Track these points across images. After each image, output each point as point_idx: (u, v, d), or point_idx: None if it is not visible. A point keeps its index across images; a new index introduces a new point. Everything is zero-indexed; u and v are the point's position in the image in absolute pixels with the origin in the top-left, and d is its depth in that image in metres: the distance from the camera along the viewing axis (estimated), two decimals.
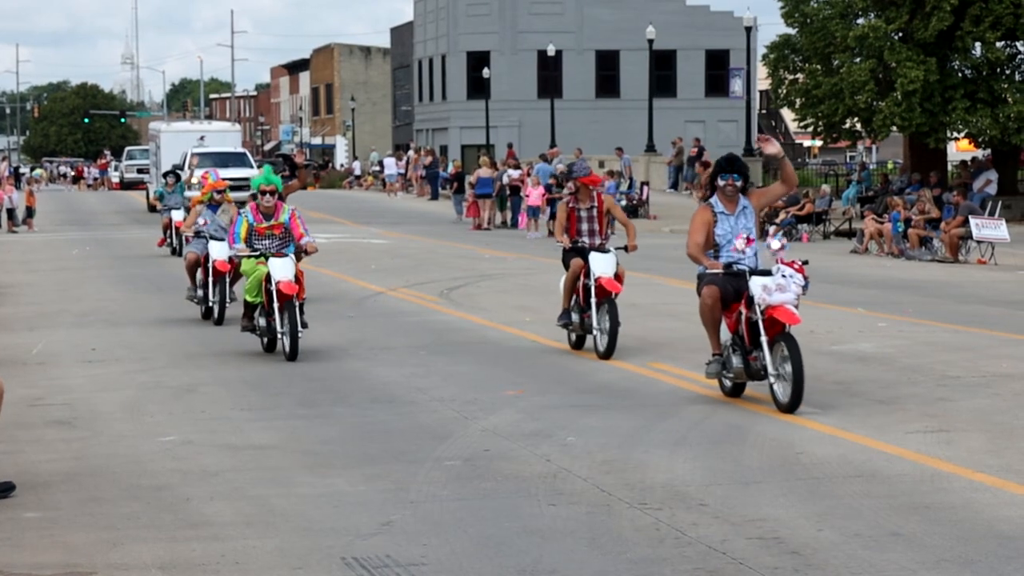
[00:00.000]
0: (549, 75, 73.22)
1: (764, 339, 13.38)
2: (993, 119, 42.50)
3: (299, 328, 17.19)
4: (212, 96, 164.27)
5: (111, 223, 53.18)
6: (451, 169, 60.94)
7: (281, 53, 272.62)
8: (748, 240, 13.75)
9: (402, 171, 75.58)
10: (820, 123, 46.31)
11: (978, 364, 16.37)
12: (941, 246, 33.68)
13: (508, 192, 47.32)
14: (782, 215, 40.86)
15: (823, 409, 13.53)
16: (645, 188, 50.35)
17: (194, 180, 42.79)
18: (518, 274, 29.46)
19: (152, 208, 58.93)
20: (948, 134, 45.24)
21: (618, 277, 17.35)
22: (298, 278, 17.45)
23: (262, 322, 17.91)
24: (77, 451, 12.28)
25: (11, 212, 49.14)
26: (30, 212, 50.04)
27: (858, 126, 46.61)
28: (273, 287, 17.40)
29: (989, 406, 13.69)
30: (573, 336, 18.02)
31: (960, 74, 44.18)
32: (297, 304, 17.24)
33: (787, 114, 67.76)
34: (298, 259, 17.74)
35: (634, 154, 58.91)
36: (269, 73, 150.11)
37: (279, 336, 17.48)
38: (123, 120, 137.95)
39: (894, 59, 42.82)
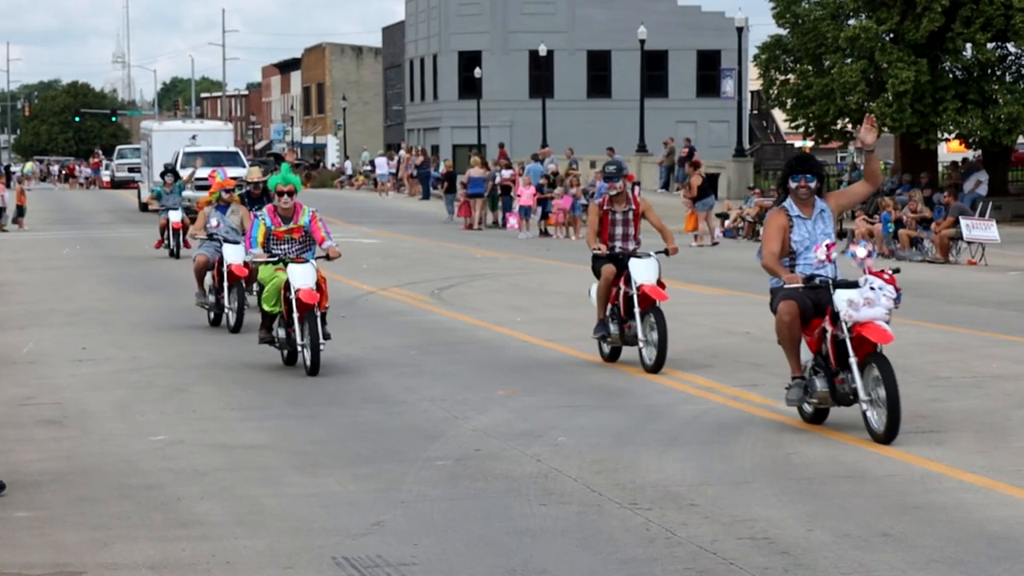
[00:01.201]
0: (541, 75, 73.22)
1: (853, 360, 11.95)
2: (984, 120, 42.55)
3: (320, 340, 15.97)
4: (203, 95, 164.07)
5: (102, 222, 53.13)
6: (442, 169, 60.96)
7: (272, 52, 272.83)
8: (830, 248, 12.36)
9: (393, 171, 75.59)
10: (811, 124, 46.35)
11: (969, 364, 16.39)
12: (931, 247, 33.72)
13: (499, 192, 47.32)
14: None
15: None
16: (636, 188, 50.29)
17: (197, 176, 42.52)
18: (510, 274, 29.46)
19: (144, 207, 58.75)
20: (939, 135, 45.30)
21: (660, 284, 16.24)
22: (319, 285, 16.26)
23: (281, 333, 16.70)
24: (68, 450, 12.27)
25: (1, 211, 48.99)
26: (21, 211, 49.91)
27: (849, 127, 46.64)
28: (292, 295, 16.21)
29: (979, 406, 13.71)
30: (607, 348, 16.84)
31: (951, 75, 44.23)
32: (318, 314, 16.09)
33: (778, 115, 67.78)
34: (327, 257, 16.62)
35: (625, 154, 58.88)
36: (260, 72, 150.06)
37: (299, 348, 16.35)
38: (114, 119, 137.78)
39: (885, 60, 42.86)
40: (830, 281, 12.21)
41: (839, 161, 77.91)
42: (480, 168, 47.81)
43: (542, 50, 69.61)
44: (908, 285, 26.76)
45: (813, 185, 12.55)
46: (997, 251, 32.69)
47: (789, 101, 46.94)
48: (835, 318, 12.10)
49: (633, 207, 16.69)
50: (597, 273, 16.66)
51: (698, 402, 14.16)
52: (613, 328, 16.53)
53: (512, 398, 14.46)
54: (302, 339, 16.17)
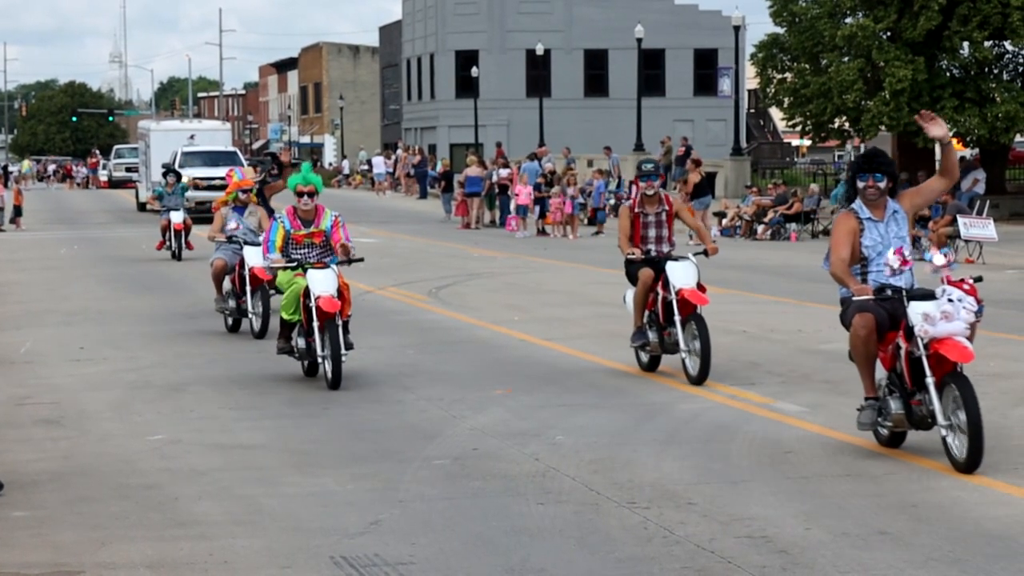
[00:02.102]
0: (538, 74, 73.14)
1: (930, 380, 10.85)
2: (981, 118, 42.58)
3: (342, 350, 15.00)
4: (200, 95, 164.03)
5: (100, 222, 53.09)
6: (439, 168, 60.94)
7: (269, 52, 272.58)
8: (904, 260, 11.22)
9: (390, 170, 75.59)
10: (808, 122, 46.37)
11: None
12: (929, 245, 33.72)
13: (497, 191, 47.30)
14: (770, 214, 40.89)
15: (811, 408, 13.54)
16: (634, 187, 50.34)
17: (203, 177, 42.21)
18: (507, 273, 29.45)
19: (142, 207, 58.68)
20: None
21: (700, 287, 15.35)
22: (341, 292, 15.27)
23: (301, 343, 15.62)
24: (65, 450, 12.27)
25: None
26: (18, 211, 49.85)
27: (846, 125, 46.67)
28: (312, 303, 15.20)
29: None
30: (645, 357, 15.91)
31: (948, 73, 44.26)
32: (340, 323, 15.08)
33: (775, 113, 67.79)
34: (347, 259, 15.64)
35: (623, 153, 58.88)
36: (257, 72, 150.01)
37: (319, 360, 15.32)
38: (111, 119, 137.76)
39: (882, 58, 42.89)
40: (904, 292, 11.13)
41: (836, 159, 78.05)
42: (477, 167, 47.79)
43: (539, 49, 69.56)
44: None
45: (882, 185, 11.39)
46: (995, 249, 32.69)
47: (786, 100, 46.95)
48: (909, 333, 11.00)
49: (666, 207, 15.80)
50: (632, 278, 15.84)
51: (696, 401, 14.16)
52: (652, 336, 15.61)
53: (510, 397, 14.46)
54: (322, 350, 15.13)
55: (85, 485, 10.89)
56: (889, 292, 11.16)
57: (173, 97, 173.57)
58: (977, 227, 33.04)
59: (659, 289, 15.54)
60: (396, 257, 33.96)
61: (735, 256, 33.62)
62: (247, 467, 11.49)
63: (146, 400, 14.74)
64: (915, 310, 10.90)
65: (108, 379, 16.21)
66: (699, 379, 14.90)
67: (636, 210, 15.83)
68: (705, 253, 15.78)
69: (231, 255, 20.40)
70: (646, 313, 15.74)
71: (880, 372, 11.46)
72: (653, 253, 15.69)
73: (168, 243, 34.09)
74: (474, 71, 74.45)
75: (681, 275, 15.29)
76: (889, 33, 44.03)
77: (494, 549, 8.96)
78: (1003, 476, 10.66)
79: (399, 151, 77.45)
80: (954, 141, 48.76)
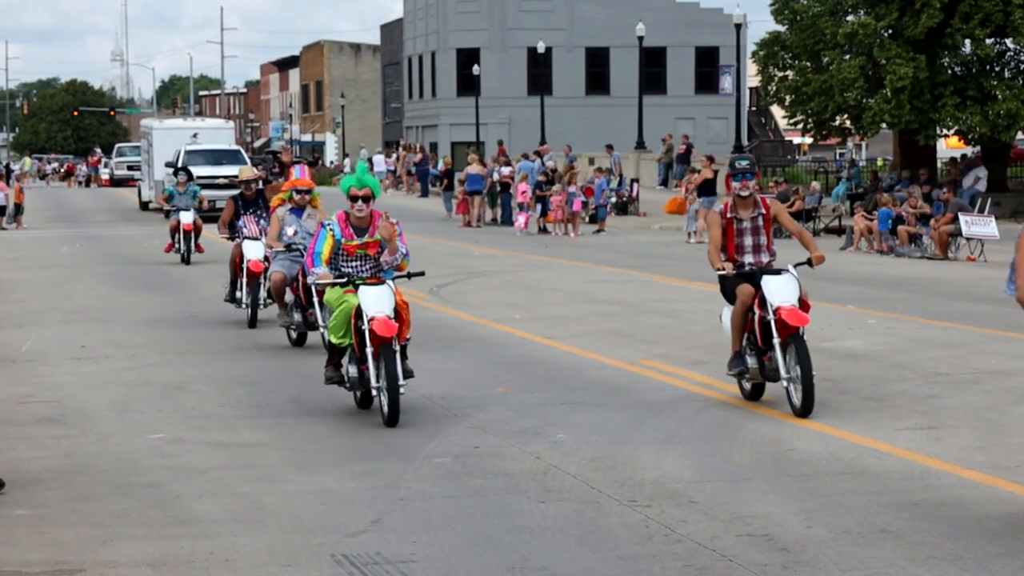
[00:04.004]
0: (539, 72, 73.16)
1: None
2: (983, 116, 42.55)
3: (400, 380, 12.87)
4: (202, 93, 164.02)
5: (101, 221, 53.08)
6: (441, 166, 60.95)
7: (271, 50, 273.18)
8: None
9: (392, 168, 75.62)
10: (810, 120, 46.32)
11: (967, 361, 16.39)
12: (931, 243, 33.72)
13: (499, 189, 47.30)
14: None
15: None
16: (635, 185, 50.35)
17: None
18: (508, 271, 29.44)
19: (144, 206, 58.61)
20: (938, 131, 45.28)
21: (803, 304, 13.16)
22: (399, 312, 13.08)
23: (352, 371, 13.45)
24: (67, 448, 12.27)
25: (1, 209, 48.83)
26: (19, 209, 49.81)
27: (848, 123, 46.64)
28: (365, 325, 13.06)
29: (978, 403, 13.71)
30: (748, 385, 13.84)
31: (950, 71, 44.23)
32: (398, 348, 12.98)
33: (777, 111, 67.77)
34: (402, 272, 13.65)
35: (624, 151, 58.90)
36: (259, 70, 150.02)
37: (374, 391, 13.20)
38: (113, 116, 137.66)
39: (884, 56, 42.86)
40: None
41: (838, 157, 78.01)
42: (478, 165, 47.78)
43: (540, 47, 69.58)
44: (907, 282, 26.83)
45: None
46: (996, 247, 32.67)
47: (788, 98, 46.90)
48: None
49: (763, 211, 13.56)
50: (729, 296, 13.63)
51: (696, 399, 14.15)
52: (752, 361, 13.48)
53: (511, 395, 14.46)
54: (377, 380, 12.99)
55: (86, 483, 10.89)
56: None
57: (175, 95, 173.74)
58: (979, 225, 33.03)
59: (755, 308, 13.38)
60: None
61: None
62: (248, 465, 11.49)
63: (147, 398, 14.75)
64: None
65: (109, 377, 16.21)
66: (803, 411, 12.89)
67: (728, 215, 13.59)
68: (809, 263, 13.57)
69: (290, 265, 18.50)
70: (744, 335, 13.58)
71: None
72: (748, 265, 13.59)
73: (177, 245, 32.57)
74: (475, 69, 74.44)
75: (779, 291, 13.13)
76: (890, 31, 44.00)
77: (495, 547, 8.97)
78: (1004, 474, 10.66)
79: (400, 149, 77.46)
80: (953, 142, 48.82)
